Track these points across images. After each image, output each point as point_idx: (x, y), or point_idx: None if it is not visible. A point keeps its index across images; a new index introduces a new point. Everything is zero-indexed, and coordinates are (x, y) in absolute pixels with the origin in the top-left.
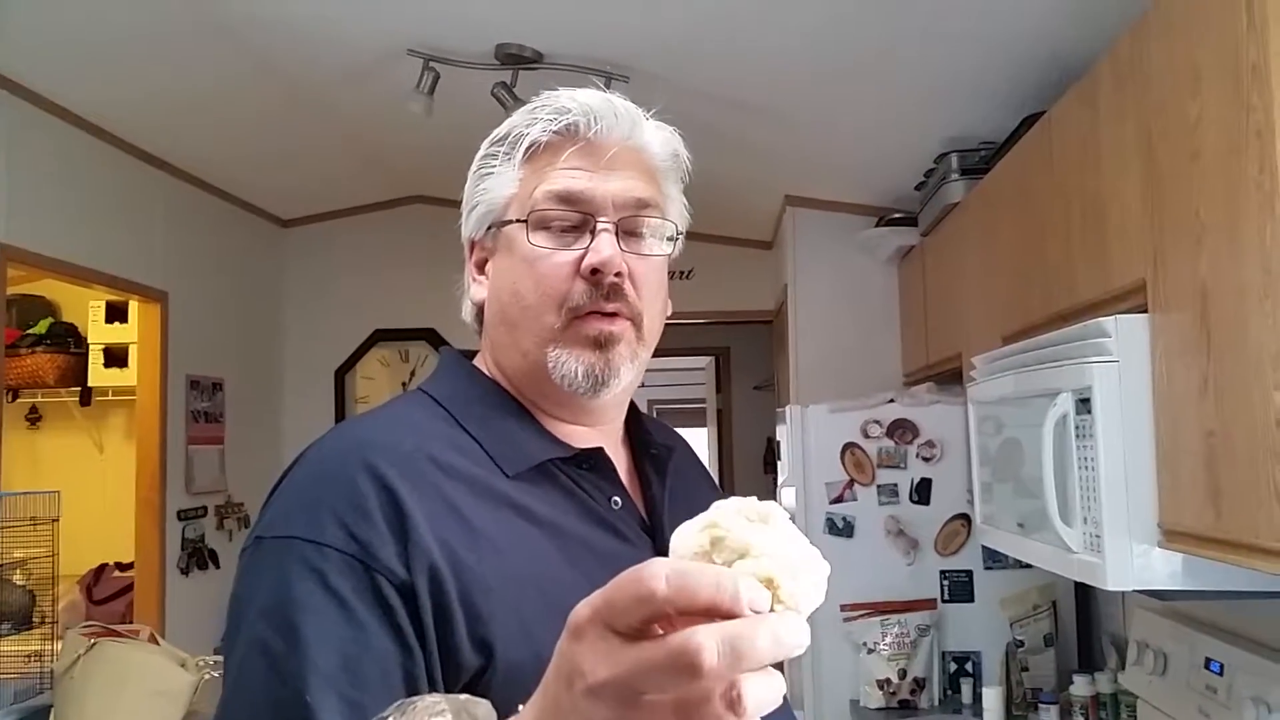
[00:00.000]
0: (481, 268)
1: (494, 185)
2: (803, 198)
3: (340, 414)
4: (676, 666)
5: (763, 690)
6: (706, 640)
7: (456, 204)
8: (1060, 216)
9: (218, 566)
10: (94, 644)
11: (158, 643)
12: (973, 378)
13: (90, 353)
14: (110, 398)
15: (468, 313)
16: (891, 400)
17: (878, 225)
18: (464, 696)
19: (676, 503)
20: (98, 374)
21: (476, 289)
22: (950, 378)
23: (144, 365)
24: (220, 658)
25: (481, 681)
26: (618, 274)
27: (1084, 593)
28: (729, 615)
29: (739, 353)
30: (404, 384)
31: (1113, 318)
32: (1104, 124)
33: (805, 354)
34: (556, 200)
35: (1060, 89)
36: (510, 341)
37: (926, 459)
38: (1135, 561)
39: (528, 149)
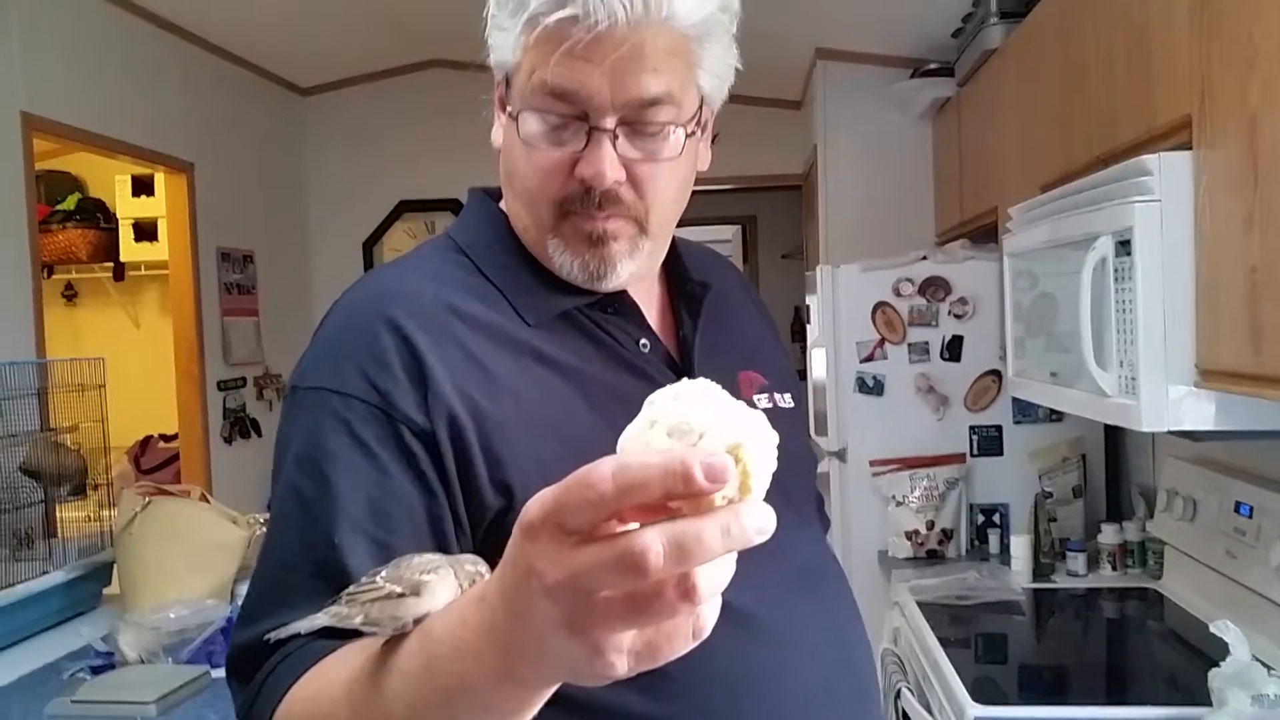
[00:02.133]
0: (503, 106)
1: (500, 42)
2: (833, 50)
3: None
4: (623, 567)
5: (718, 575)
6: (652, 541)
7: (478, 68)
8: (1104, 54)
9: (260, 435)
10: (149, 502)
11: (208, 501)
12: (1009, 229)
13: (120, 227)
14: (143, 272)
15: (493, 145)
16: (924, 258)
17: (912, 77)
18: (464, 556)
19: (712, 338)
20: (129, 249)
21: (495, 131)
22: (985, 234)
23: (174, 238)
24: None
25: (506, 520)
26: (614, 183)
27: (1113, 446)
28: (691, 495)
29: (766, 221)
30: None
31: (1155, 155)
32: None
33: (836, 216)
34: (551, 96)
35: None
36: (515, 210)
37: (958, 316)
38: (1171, 403)
39: (527, 22)
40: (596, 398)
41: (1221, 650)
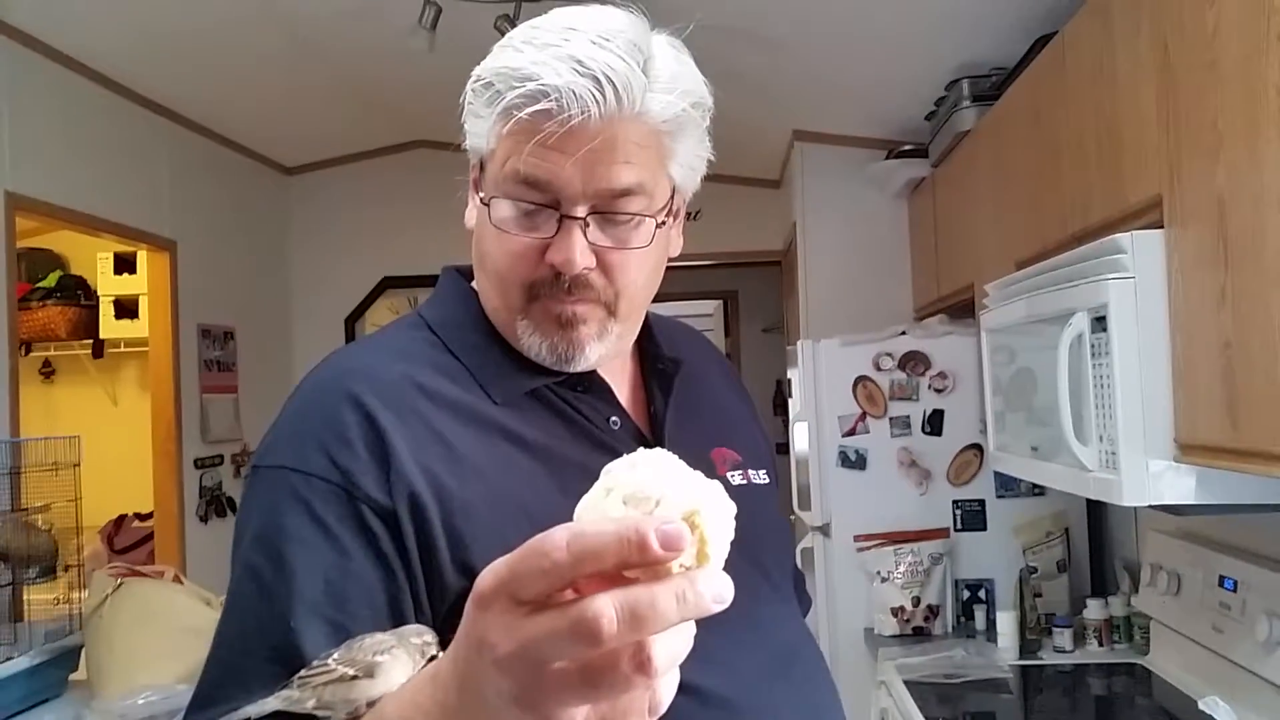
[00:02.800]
0: (477, 188)
1: (476, 129)
2: (810, 132)
3: None
4: (575, 635)
5: (674, 647)
6: (605, 608)
7: (460, 149)
8: (1074, 137)
9: (235, 513)
10: (120, 583)
11: (181, 583)
12: (986, 305)
13: (101, 304)
14: (122, 349)
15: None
16: (903, 333)
17: (887, 158)
18: (409, 628)
19: (684, 415)
20: (109, 326)
21: (469, 213)
22: (962, 310)
23: (155, 315)
24: None
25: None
26: (584, 269)
27: (1096, 520)
28: (647, 563)
29: (747, 296)
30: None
31: (1128, 234)
32: (1118, 38)
33: (815, 292)
34: (522, 184)
35: (1072, 8)
36: (485, 291)
37: (939, 390)
38: (1151, 477)
39: (502, 113)
40: (565, 475)
41: None
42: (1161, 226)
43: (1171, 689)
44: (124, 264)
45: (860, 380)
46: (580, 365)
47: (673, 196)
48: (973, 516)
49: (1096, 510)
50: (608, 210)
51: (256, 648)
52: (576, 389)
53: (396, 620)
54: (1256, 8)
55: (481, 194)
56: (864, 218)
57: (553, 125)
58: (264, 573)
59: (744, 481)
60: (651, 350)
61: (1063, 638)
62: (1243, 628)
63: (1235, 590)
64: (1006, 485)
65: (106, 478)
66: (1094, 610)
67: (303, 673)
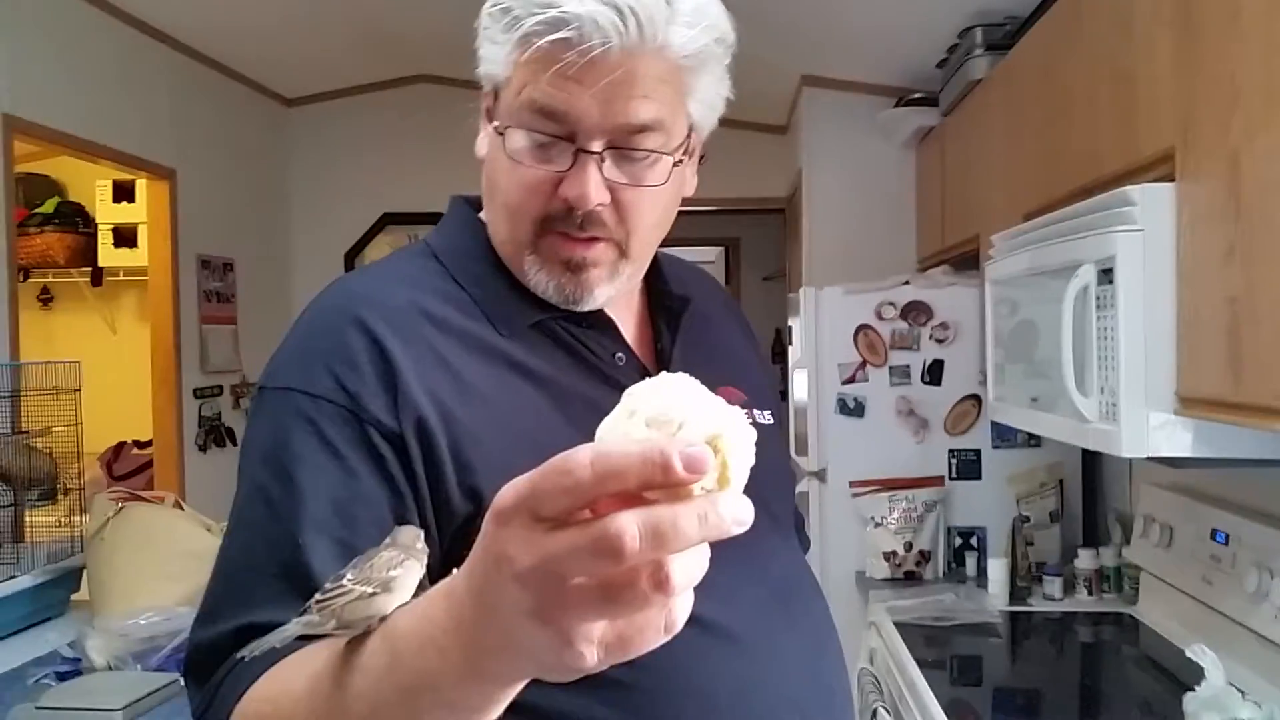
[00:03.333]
0: (490, 116)
1: (491, 55)
2: (819, 77)
3: None
4: (597, 551)
5: (691, 568)
6: (628, 525)
7: (465, 84)
8: (1087, 88)
9: (234, 444)
10: (122, 507)
11: (182, 508)
12: (991, 256)
13: (99, 232)
14: (121, 278)
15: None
16: (906, 282)
17: (896, 106)
18: (405, 531)
19: (690, 352)
20: (107, 254)
21: (480, 141)
22: (966, 261)
23: (155, 244)
24: None
25: (473, 526)
26: (597, 205)
27: (1090, 472)
28: (668, 485)
29: (749, 244)
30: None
31: (1139, 186)
32: None
33: (818, 240)
34: (540, 115)
35: None
36: (494, 222)
37: (939, 340)
38: (1151, 429)
39: (521, 40)
40: (571, 407)
41: (1195, 675)
42: (1173, 180)
43: (1158, 638)
44: (123, 192)
45: (862, 329)
46: (587, 306)
47: (690, 135)
48: (968, 466)
49: (1091, 463)
50: (624, 146)
51: (264, 565)
52: (582, 324)
53: None
54: None
55: (496, 122)
56: (870, 166)
57: (573, 55)
58: (272, 492)
59: (749, 420)
60: (659, 287)
61: (1053, 586)
62: (1232, 580)
63: (1226, 543)
64: (1003, 436)
65: (105, 405)
66: (1085, 560)
67: (319, 596)
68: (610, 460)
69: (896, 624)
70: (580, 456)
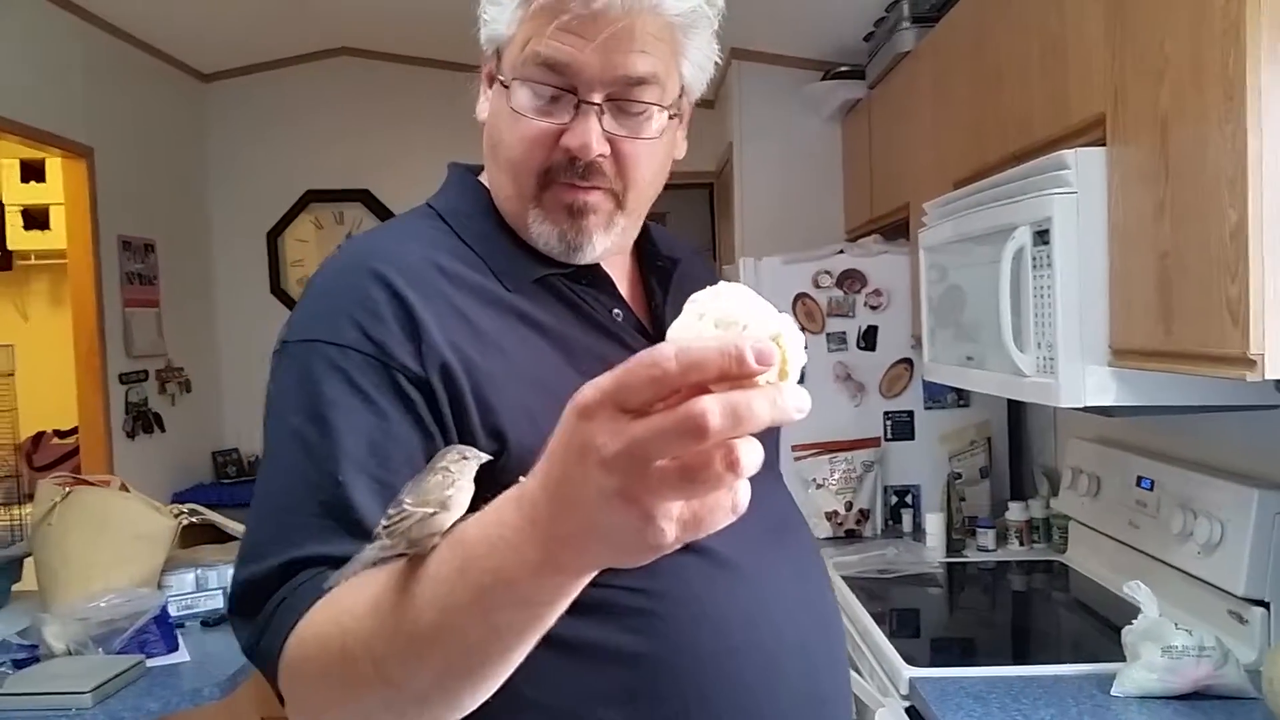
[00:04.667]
0: (490, 82)
1: (496, 16)
2: (748, 51)
3: (275, 277)
4: (683, 430)
5: (754, 454)
6: (710, 405)
7: (387, 57)
8: (1018, 57)
9: (163, 430)
10: (69, 492)
11: (128, 491)
12: (924, 224)
13: (7, 214)
14: (33, 262)
15: (477, 118)
16: (841, 251)
17: (823, 79)
18: (450, 451)
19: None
20: (17, 237)
21: (481, 105)
22: (896, 230)
23: (73, 225)
24: (196, 507)
25: (497, 465)
26: (598, 155)
27: (1016, 429)
28: (741, 376)
29: (676, 218)
30: (339, 246)
31: (1072, 150)
32: None
33: (751, 213)
34: (543, 67)
35: None
36: (498, 180)
37: (873, 307)
38: (1086, 380)
39: None
40: (578, 357)
41: (1122, 612)
42: (1103, 144)
43: (1088, 581)
44: (31, 172)
45: (800, 297)
46: (587, 255)
47: (681, 95)
48: (902, 426)
49: (1016, 420)
50: (623, 98)
51: (305, 504)
52: (581, 280)
53: None
54: None
55: (501, 76)
56: (798, 139)
57: (577, 6)
58: (308, 435)
59: None
60: (650, 249)
61: (986, 538)
62: (1158, 522)
63: (1152, 489)
64: (934, 397)
65: (20, 394)
66: (1015, 512)
67: (384, 522)
68: (692, 353)
69: (844, 578)
70: (666, 350)
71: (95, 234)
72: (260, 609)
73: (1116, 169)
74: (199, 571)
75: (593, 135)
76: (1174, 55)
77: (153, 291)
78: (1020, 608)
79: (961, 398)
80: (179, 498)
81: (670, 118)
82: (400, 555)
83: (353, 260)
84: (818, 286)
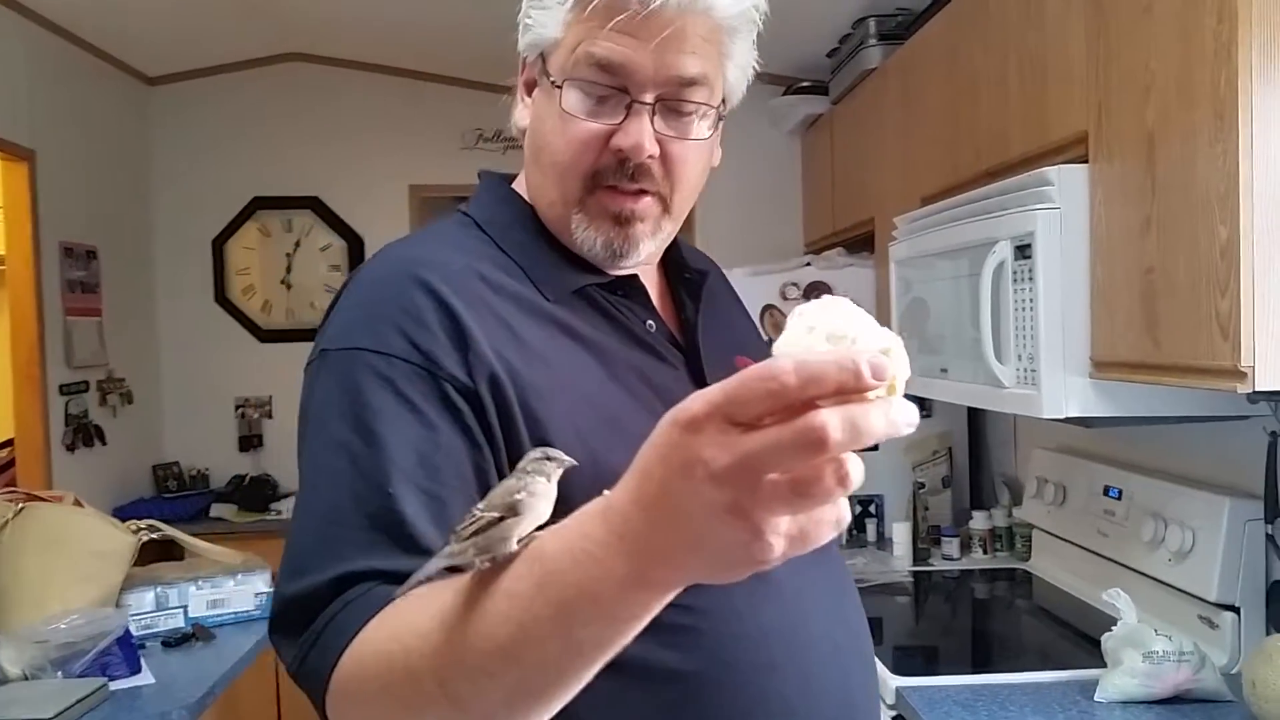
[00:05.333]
0: (530, 89)
1: (542, 19)
2: None
3: (219, 286)
4: (802, 443)
5: (860, 469)
6: (830, 418)
7: (342, 63)
8: (995, 75)
9: (104, 443)
10: (22, 508)
11: (82, 506)
12: (894, 238)
13: None
14: None
15: (513, 127)
16: (808, 264)
17: (785, 94)
18: (527, 459)
19: (710, 323)
20: None
21: (521, 112)
22: (859, 243)
23: (13, 230)
24: (154, 523)
25: None
26: (648, 156)
27: (976, 439)
28: (858, 390)
29: None
30: (288, 254)
31: (1055, 167)
32: None
33: (711, 226)
34: (596, 68)
35: None
36: (540, 186)
37: None
38: (1067, 391)
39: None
40: (617, 370)
41: (1090, 619)
42: (1085, 161)
43: (1052, 589)
44: None
45: (767, 309)
46: (631, 261)
47: (723, 100)
48: None
49: (976, 430)
50: (675, 98)
51: (352, 516)
52: (617, 291)
53: (482, 491)
54: None
55: (553, 77)
56: (758, 153)
57: (634, 7)
58: (354, 446)
59: None
60: (677, 260)
61: (950, 546)
62: (1128, 530)
63: (1120, 498)
64: None
65: None
66: (979, 521)
67: (455, 528)
68: (811, 367)
69: None
70: (784, 364)
71: (36, 240)
72: (307, 626)
73: (1100, 185)
74: (159, 590)
75: (646, 135)
76: (1161, 74)
77: (94, 300)
78: (991, 616)
79: (924, 408)
80: (118, 513)
81: (718, 119)
82: (468, 565)
83: (395, 267)
84: (785, 298)
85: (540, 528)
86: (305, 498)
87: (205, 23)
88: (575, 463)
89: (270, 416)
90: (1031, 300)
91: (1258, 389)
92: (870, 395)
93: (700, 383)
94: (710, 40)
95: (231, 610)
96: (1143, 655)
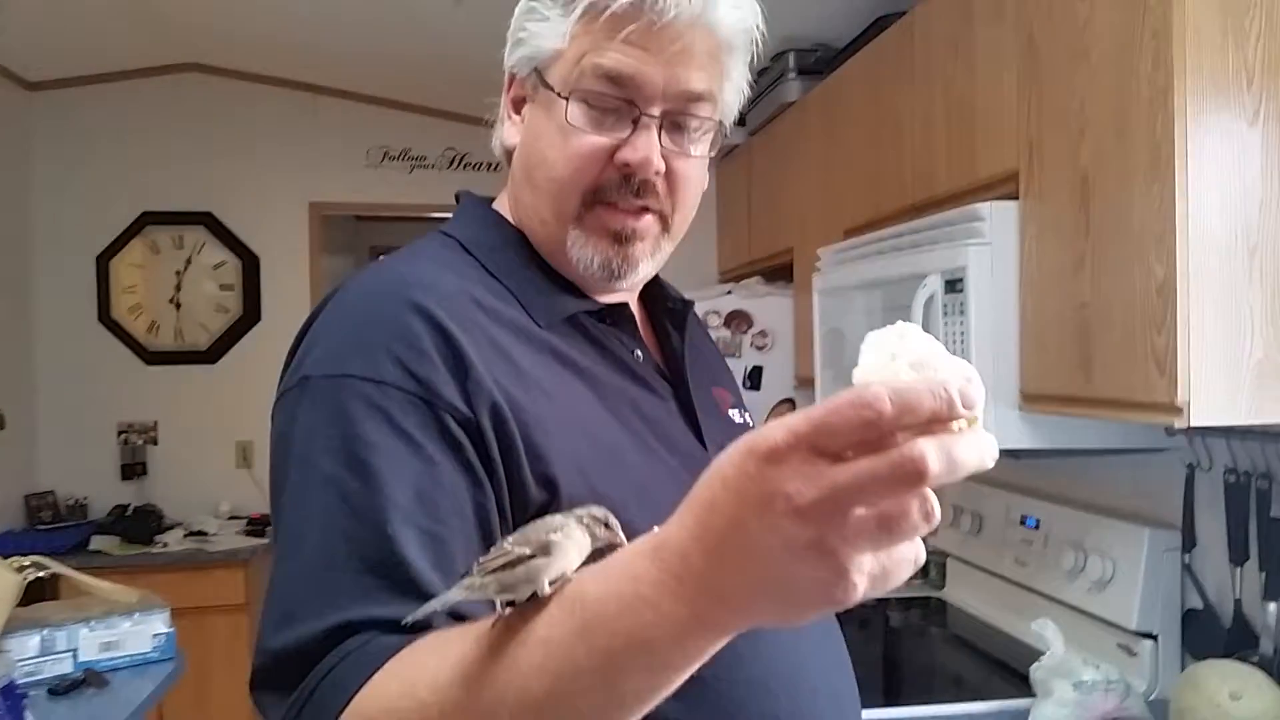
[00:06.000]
0: (518, 107)
1: (541, 31)
2: None
3: (104, 305)
4: (900, 476)
5: (938, 505)
6: (929, 449)
7: (242, 75)
8: (921, 113)
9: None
10: None
11: None
12: (817, 268)
13: None
14: None
15: (497, 147)
16: (729, 292)
17: None
18: (579, 509)
19: (692, 354)
20: None
21: (509, 130)
22: (776, 272)
23: None
24: (40, 559)
25: (547, 514)
26: (655, 172)
27: None
28: (951, 418)
29: None
30: (178, 272)
31: (987, 204)
32: (978, 22)
33: None
34: (604, 79)
35: None
36: (533, 204)
37: (759, 348)
38: (999, 424)
39: (586, 9)
40: (611, 400)
41: (1006, 648)
42: (1015, 198)
43: (966, 616)
44: None
45: None
46: (628, 282)
47: (720, 121)
48: None
49: None
50: (681, 113)
51: (345, 561)
52: (605, 320)
53: (483, 530)
54: (1132, 5)
55: (557, 89)
56: None
57: (648, 19)
58: (346, 484)
59: (741, 421)
60: (659, 290)
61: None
62: (1047, 559)
63: (1038, 527)
64: None
65: None
66: None
67: (481, 560)
68: (907, 395)
69: None
70: (879, 391)
71: None
72: (298, 682)
73: (1031, 223)
74: (45, 633)
75: (655, 150)
76: (1096, 117)
77: None
78: (906, 645)
79: None
80: None
81: (722, 136)
82: (486, 602)
83: (384, 289)
84: (708, 326)
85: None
86: (290, 540)
87: (93, 27)
88: (624, 542)
89: (155, 443)
90: (962, 333)
91: (1193, 424)
92: (954, 426)
93: (689, 415)
94: (714, 57)
95: (127, 653)
96: (1073, 685)
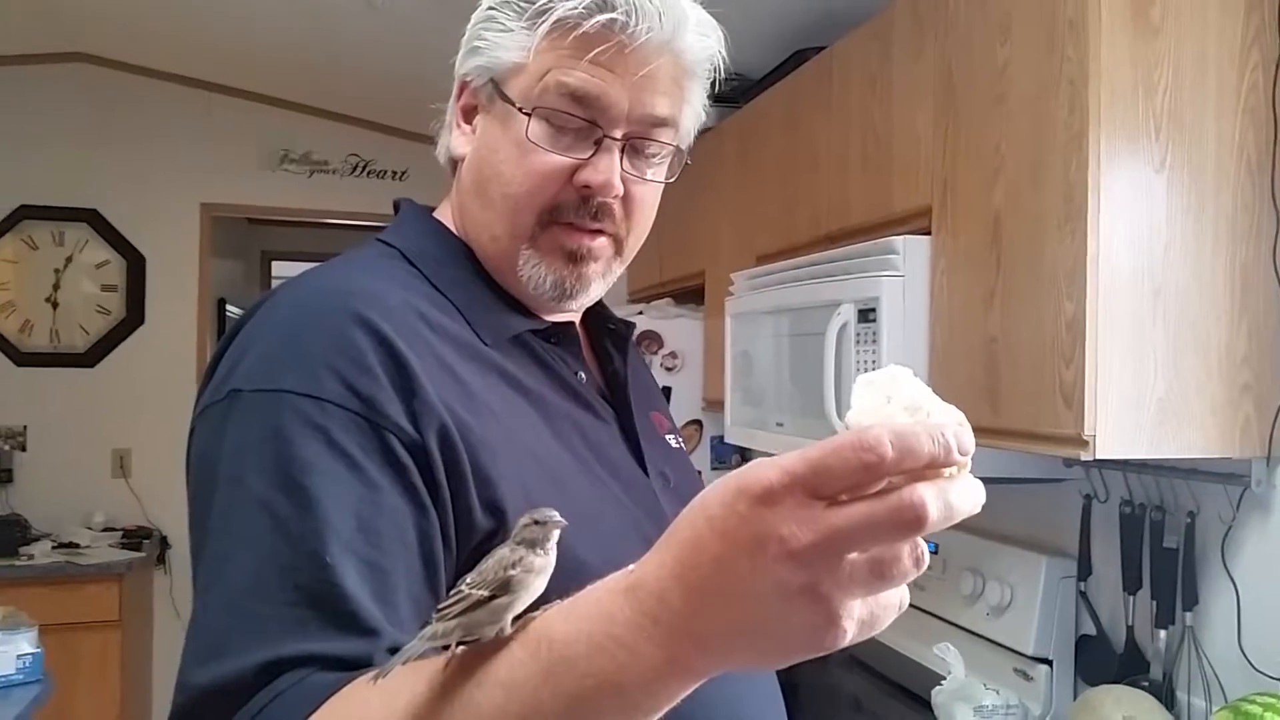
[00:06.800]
0: (468, 116)
1: (502, 42)
2: None
3: None
4: (898, 522)
5: (927, 551)
6: (928, 495)
7: (130, 68)
8: (837, 146)
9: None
10: None
11: None
12: (731, 292)
13: None
14: None
15: (442, 155)
16: (641, 313)
17: None
18: (523, 528)
19: (634, 378)
20: None
21: (458, 140)
22: (686, 295)
23: None
24: None
25: (493, 543)
26: (614, 195)
27: None
28: (947, 464)
29: None
30: (57, 270)
31: (901, 237)
32: (897, 61)
33: None
34: (569, 98)
35: (842, 28)
36: (482, 219)
37: (669, 369)
38: None
39: (554, 25)
40: (556, 423)
41: (904, 670)
42: (927, 233)
43: (871, 641)
44: None
45: None
46: (579, 302)
47: (677, 147)
48: None
49: None
50: (642, 137)
51: (277, 591)
52: (550, 339)
53: (426, 558)
54: (1051, 52)
55: (518, 104)
56: None
57: (621, 36)
58: (279, 508)
59: (677, 445)
60: (601, 312)
61: None
62: (947, 584)
63: (937, 552)
64: (720, 458)
65: None
66: None
67: (440, 606)
68: (907, 439)
69: None
70: (879, 434)
71: None
72: None
73: (942, 257)
74: None
75: (616, 172)
76: (1011, 158)
77: None
78: (805, 668)
79: (745, 459)
80: None
81: (682, 163)
82: (457, 644)
83: (324, 299)
84: None
85: (533, 605)
86: (215, 567)
87: None
88: (565, 522)
89: (24, 449)
90: (874, 362)
91: (1099, 457)
92: (945, 472)
93: (631, 439)
94: (678, 83)
95: None
96: (974, 709)
